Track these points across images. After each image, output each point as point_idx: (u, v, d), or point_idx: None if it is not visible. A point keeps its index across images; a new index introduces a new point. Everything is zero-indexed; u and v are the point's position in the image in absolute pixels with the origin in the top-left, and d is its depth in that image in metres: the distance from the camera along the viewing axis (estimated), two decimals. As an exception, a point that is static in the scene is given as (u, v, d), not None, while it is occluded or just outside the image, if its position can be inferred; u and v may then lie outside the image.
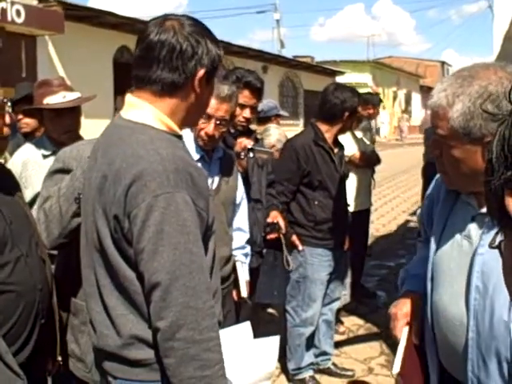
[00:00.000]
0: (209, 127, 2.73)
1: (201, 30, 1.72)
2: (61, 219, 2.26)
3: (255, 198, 3.47)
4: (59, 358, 2.14)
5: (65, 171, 2.37)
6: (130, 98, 1.74)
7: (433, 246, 1.80)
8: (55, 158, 2.49)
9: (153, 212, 1.53)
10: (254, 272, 3.39)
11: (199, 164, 2.70)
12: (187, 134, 2.79)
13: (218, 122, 2.73)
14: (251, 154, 3.47)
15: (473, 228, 1.68)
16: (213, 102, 2.59)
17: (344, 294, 4.98)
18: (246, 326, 2.18)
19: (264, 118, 5.28)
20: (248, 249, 3.19)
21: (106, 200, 1.62)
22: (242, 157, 3.40)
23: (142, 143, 1.62)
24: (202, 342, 1.54)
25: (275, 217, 3.73)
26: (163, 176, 1.55)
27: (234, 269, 3.05)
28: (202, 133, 2.75)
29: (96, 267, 1.70)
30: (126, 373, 1.68)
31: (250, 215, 3.28)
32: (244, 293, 3.08)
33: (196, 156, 2.74)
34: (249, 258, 3.22)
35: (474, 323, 1.62)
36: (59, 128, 3.00)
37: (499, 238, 0.64)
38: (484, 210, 1.60)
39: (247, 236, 3.18)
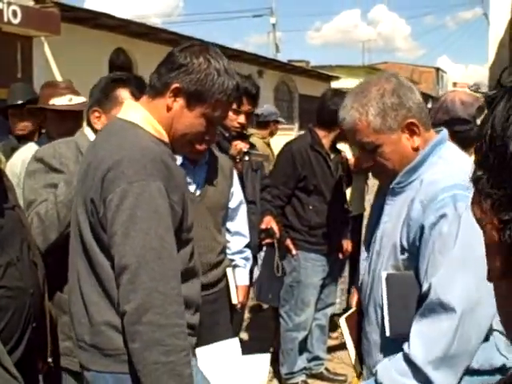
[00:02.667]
0: (201, 146, 2.69)
1: (219, 61, 1.78)
2: (58, 225, 2.27)
3: (249, 200, 3.45)
4: (49, 360, 2.14)
5: (46, 169, 2.41)
6: (128, 101, 1.88)
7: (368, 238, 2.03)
8: (32, 158, 2.49)
9: (127, 197, 1.59)
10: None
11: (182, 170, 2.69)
12: None
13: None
14: (246, 158, 3.47)
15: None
16: None
17: (343, 299, 4.98)
18: (234, 342, 2.17)
19: (263, 123, 5.33)
20: (248, 253, 3.15)
21: (86, 187, 1.70)
22: (238, 160, 3.39)
23: (127, 136, 1.71)
24: (167, 327, 1.57)
25: (269, 222, 3.73)
26: (140, 164, 1.62)
27: (225, 275, 2.97)
28: (194, 150, 2.71)
29: (76, 256, 1.76)
30: (96, 364, 1.72)
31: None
32: (234, 299, 3.00)
33: (177, 162, 2.70)
34: (250, 262, 3.18)
35: (371, 280, 1.91)
36: (61, 130, 3.00)
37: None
38: (391, 185, 1.86)
39: (246, 240, 3.13)
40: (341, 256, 4.21)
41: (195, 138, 1.84)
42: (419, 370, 1.65)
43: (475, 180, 0.63)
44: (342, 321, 2.11)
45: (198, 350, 2.05)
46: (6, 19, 10.95)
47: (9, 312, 1.87)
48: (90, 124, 2.55)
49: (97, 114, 2.46)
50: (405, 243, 1.78)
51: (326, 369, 4.34)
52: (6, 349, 1.83)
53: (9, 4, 11.00)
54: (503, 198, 0.58)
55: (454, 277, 1.64)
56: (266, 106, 5.56)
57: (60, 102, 3.03)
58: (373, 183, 6.48)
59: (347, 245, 4.22)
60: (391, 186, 1.88)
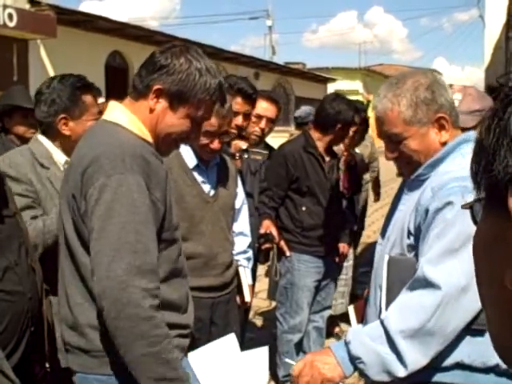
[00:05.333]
0: (214, 144, 2.72)
1: (199, 60, 1.78)
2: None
3: (247, 192, 3.42)
4: (47, 365, 2.13)
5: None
6: (111, 102, 1.86)
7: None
8: None
9: (105, 191, 1.59)
10: None
11: (195, 172, 2.73)
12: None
13: (221, 136, 2.74)
14: (246, 155, 3.46)
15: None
16: (214, 120, 2.61)
17: (341, 302, 4.97)
18: (231, 338, 2.16)
19: (301, 124, 5.44)
20: (250, 253, 3.17)
21: (69, 186, 1.70)
22: (237, 158, 3.38)
23: (107, 133, 1.72)
24: (146, 320, 1.57)
25: (268, 227, 3.73)
26: (119, 158, 1.62)
27: (237, 274, 3.03)
28: (208, 149, 2.73)
29: (62, 257, 1.77)
30: (82, 366, 1.73)
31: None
32: (248, 297, 3.06)
33: (192, 164, 2.75)
34: (251, 262, 3.20)
35: (378, 264, 1.93)
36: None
37: (478, 207, 0.63)
38: (411, 177, 1.88)
39: (249, 240, 3.16)
40: (337, 260, 4.20)
41: (180, 137, 1.84)
42: (390, 336, 1.67)
43: (510, 178, 0.58)
44: (351, 308, 2.14)
45: (197, 351, 2.05)
46: (1, 22, 10.95)
47: (7, 316, 1.86)
48: (44, 132, 2.65)
49: (64, 121, 2.60)
50: (411, 228, 1.79)
51: (323, 371, 4.33)
52: (4, 353, 1.82)
53: (4, 7, 11.00)
54: None
55: (444, 259, 1.66)
56: (303, 108, 5.68)
57: None
58: (365, 188, 6.53)
59: (343, 248, 4.22)
60: (411, 178, 1.90)
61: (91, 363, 1.70)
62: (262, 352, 2.14)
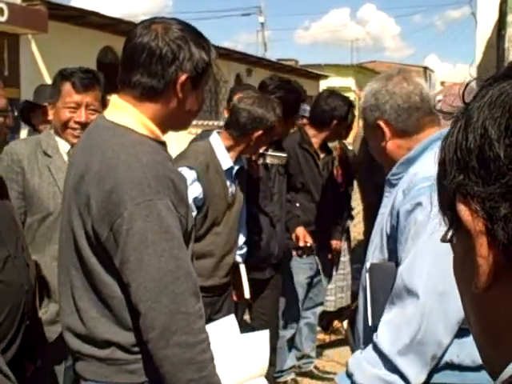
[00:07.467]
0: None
1: (186, 34, 1.67)
2: None
3: (274, 215, 3.42)
4: (38, 362, 2.11)
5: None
6: (115, 99, 1.72)
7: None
8: None
9: (136, 220, 1.52)
10: (265, 283, 3.41)
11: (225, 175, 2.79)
12: (217, 142, 2.81)
13: None
14: (261, 160, 3.40)
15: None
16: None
17: (341, 296, 4.98)
18: (230, 319, 2.16)
19: None
20: (245, 249, 3.19)
21: (81, 201, 1.61)
22: (254, 163, 3.33)
23: (123, 147, 1.60)
24: (196, 345, 1.55)
25: (304, 236, 3.72)
26: (144, 183, 1.54)
27: (237, 270, 3.07)
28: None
29: (70, 268, 1.68)
30: (95, 374, 1.67)
31: (267, 229, 3.30)
32: (247, 294, 3.08)
33: (226, 165, 2.81)
34: (244, 257, 3.22)
35: (364, 270, 1.92)
36: None
37: (451, 233, 0.65)
38: (387, 176, 1.96)
39: (244, 237, 3.18)
40: (329, 256, 4.21)
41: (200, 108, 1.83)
42: (387, 358, 1.66)
43: (457, 187, 0.60)
44: (348, 328, 2.14)
45: None
46: (-8, 17, 10.87)
47: (6, 308, 1.84)
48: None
49: (51, 106, 2.68)
50: (389, 232, 1.80)
51: (316, 367, 4.35)
52: (1, 346, 1.80)
53: (-4, 1, 10.91)
54: (495, 192, 0.56)
55: (420, 264, 1.65)
56: None
57: None
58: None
59: (336, 244, 4.23)
60: (387, 178, 1.92)
61: (106, 371, 1.64)
62: (263, 335, 2.13)
